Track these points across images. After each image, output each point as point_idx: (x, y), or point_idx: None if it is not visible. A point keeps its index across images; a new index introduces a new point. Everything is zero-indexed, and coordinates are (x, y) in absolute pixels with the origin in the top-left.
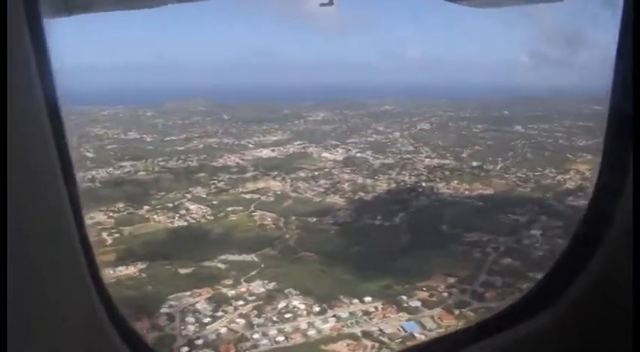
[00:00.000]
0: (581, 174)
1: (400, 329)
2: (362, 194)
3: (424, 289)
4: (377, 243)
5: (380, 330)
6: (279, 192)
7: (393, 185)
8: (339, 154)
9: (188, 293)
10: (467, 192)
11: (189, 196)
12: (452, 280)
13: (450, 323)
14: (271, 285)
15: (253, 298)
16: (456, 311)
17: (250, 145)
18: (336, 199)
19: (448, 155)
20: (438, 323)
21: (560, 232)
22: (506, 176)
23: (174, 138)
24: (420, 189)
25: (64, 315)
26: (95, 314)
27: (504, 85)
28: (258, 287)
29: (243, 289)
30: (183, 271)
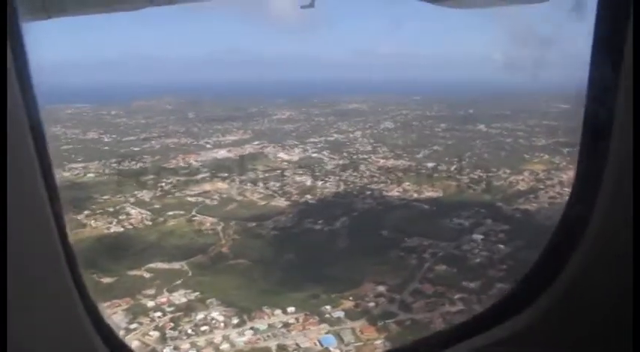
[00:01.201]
0: (534, 174)
1: (317, 343)
2: (309, 197)
3: (350, 298)
4: (313, 249)
5: (296, 344)
6: (224, 196)
7: (342, 187)
8: (295, 155)
9: (107, 303)
10: (415, 195)
11: (132, 200)
12: (382, 288)
13: (370, 337)
14: (194, 295)
15: (172, 309)
16: (380, 323)
17: (208, 145)
18: (281, 202)
19: (405, 155)
20: (358, 336)
21: (502, 237)
22: (459, 177)
23: (132, 138)
24: (368, 192)
25: (45, 319)
26: (78, 318)
27: (480, 82)
28: (180, 297)
29: (163, 299)
30: (106, 280)
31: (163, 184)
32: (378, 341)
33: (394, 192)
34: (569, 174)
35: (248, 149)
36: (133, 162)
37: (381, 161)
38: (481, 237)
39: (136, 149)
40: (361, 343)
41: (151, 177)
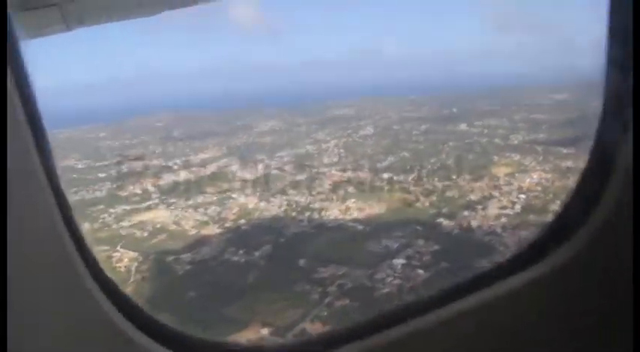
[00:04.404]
0: (495, 180)
1: None
2: (243, 222)
3: None
4: (218, 285)
5: None
6: (158, 226)
7: (284, 208)
8: (256, 172)
9: None
10: (355, 214)
11: None
12: (265, 331)
13: None
14: None
15: None
16: None
17: (175, 167)
18: (212, 230)
19: (366, 166)
20: None
21: (427, 260)
22: (412, 189)
23: (105, 163)
24: (308, 213)
25: (64, 317)
26: (100, 310)
27: (482, 75)
28: None
29: None
30: None
31: (106, 215)
32: None
33: (334, 210)
34: (533, 177)
35: (210, 169)
36: (89, 192)
37: (337, 174)
38: (402, 261)
39: (102, 175)
40: None
41: (100, 207)
